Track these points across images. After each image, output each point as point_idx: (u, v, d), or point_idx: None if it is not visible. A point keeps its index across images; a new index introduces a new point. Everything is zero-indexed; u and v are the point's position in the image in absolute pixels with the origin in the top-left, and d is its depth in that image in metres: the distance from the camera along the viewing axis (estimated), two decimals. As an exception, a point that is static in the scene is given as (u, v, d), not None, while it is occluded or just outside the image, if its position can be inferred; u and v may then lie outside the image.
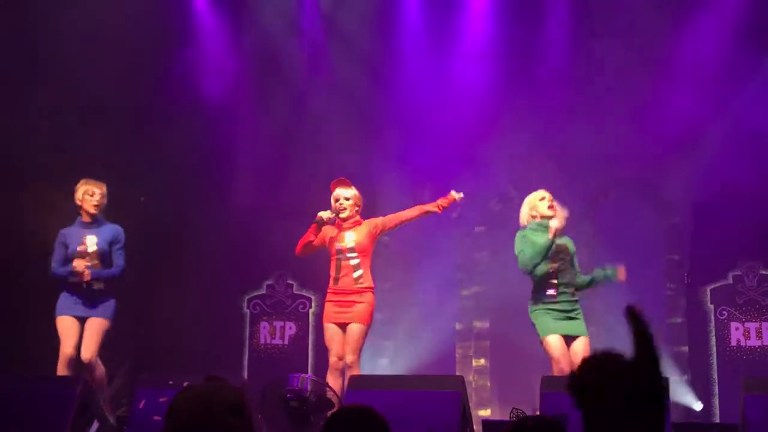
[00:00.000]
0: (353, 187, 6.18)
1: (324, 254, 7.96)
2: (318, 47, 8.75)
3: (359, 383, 5.32)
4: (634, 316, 1.94)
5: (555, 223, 5.86)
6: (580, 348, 5.77)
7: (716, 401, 7.51)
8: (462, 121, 8.42)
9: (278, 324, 8.35)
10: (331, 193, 6.20)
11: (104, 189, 6.26)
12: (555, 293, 5.82)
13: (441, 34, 8.58)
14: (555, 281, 5.85)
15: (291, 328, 8.33)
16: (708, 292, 7.72)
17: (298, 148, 8.68)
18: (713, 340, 7.62)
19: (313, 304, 8.35)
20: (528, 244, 5.85)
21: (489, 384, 8.41)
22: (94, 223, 6.19)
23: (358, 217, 6.14)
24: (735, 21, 8.02)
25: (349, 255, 5.98)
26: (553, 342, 5.74)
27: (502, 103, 8.27)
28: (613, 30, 8.22)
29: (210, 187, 8.42)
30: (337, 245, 6.04)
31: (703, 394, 7.64)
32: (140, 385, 5.60)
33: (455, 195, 6.04)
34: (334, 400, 5.56)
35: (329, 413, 5.22)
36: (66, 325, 6.01)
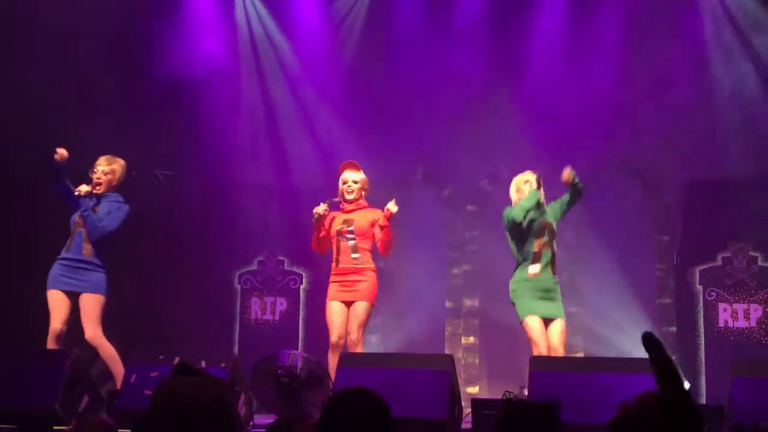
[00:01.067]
0: (361, 171, 6.16)
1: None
2: (314, 25, 8.72)
3: (349, 361, 5.35)
4: (652, 346, 1.90)
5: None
6: (557, 330, 5.76)
7: (703, 382, 7.57)
8: (452, 101, 8.42)
9: (269, 300, 8.37)
10: (339, 175, 6.17)
11: (111, 165, 6.14)
12: (537, 272, 5.83)
13: (433, 14, 8.56)
14: (539, 259, 5.85)
15: (282, 304, 8.35)
16: (697, 273, 7.76)
17: (291, 127, 8.67)
18: (701, 321, 7.68)
19: (304, 281, 8.37)
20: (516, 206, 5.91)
21: (478, 362, 8.47)
22: (105, 197, 6.11)
23: (363, 201, 6.13)
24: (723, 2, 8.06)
25: (348, 236, 6.00)
26: (532, 323, 5.75)
27: (493, 83, 8.26)
28: (603, 10, 8.22)
29: (202, 164, 8.40)
30: (337, 227, 6.05)
31: (690, 375, 7.70)
32: (131, 361, 5.61)
33: (391, 207, 5.96)
34: (324, 376, 5.59)
35: (323, 392, 5.26)
36: (55, 300, 5.98)
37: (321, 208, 6.02)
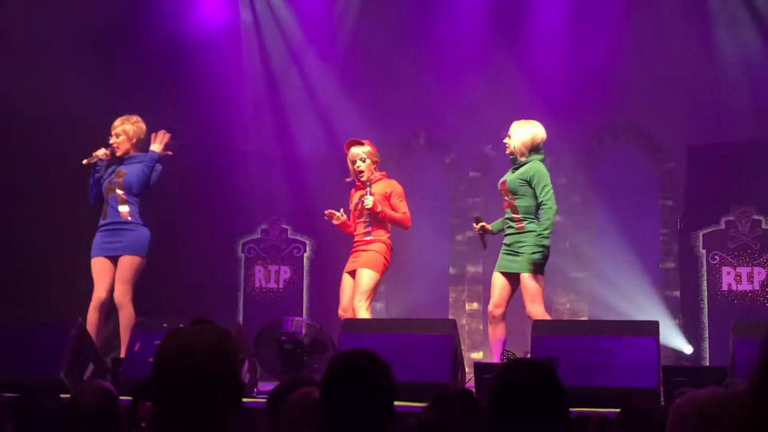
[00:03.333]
0: (366, 143, 6.08)
1: (319, 199, 7.99)
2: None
3: (352, 326, 5.37)
4: None
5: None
6: (523, 286, 5.60)
7: (707, 345, 7.58)
8: (454, 66, 8.36)
9: (273, 268, 8.39)
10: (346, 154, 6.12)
11: (123, 125, 6.12)
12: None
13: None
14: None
15: (285, 272, 8.38)
16: (700, 237, 7.74)
17: (293, 93, 8.64)
18: (705, 284, 7.66)
19: (307, 249, 8.38)
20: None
21: (482, 327, 8.49)
22: (130, 159, 6.13)
23: (377, 174, 6.07)
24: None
25: (362, 212, 6.00)
26: (492, 280, 5.77)
27: (496, 48, 8.20)
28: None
29: (205, 132, 8.38)
30: (353, 203, 6.09)
31: (693, 338, 7.72)
32: (135, 328, 5.64)
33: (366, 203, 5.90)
34: (328, 342, 5.62)
35: (326, 358, 5.28)
36: (97, 268, 5.99)
37: (368, 202, 5.93)
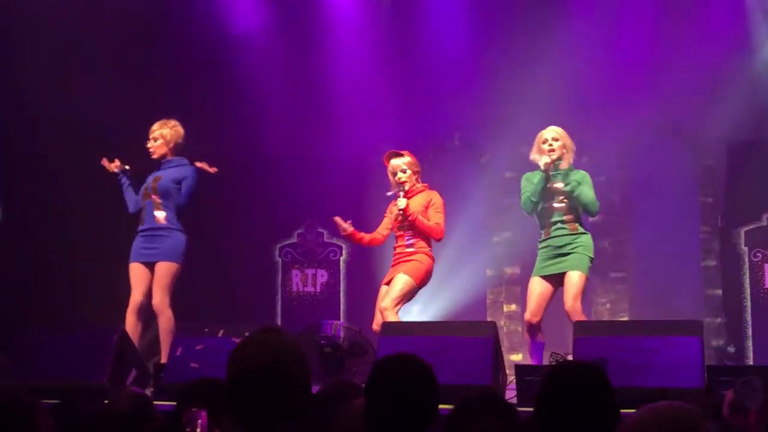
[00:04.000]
0: (406, 153, 6.04)
1: (355, 202, 7.99)
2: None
3: (391, 329, 5.35)
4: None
5: (544, 162, 5.77)
6: (570, 282, 5.58)
7: (750, 344, 7.49)
8: (489, 67, 8.31)
9: (310, 272, 8.42)
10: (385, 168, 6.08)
11: (160, 130, 6.16)
12: (545, 236, 5.77)
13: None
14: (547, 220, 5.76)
15: (322, 276, 8.40)
16: (742, 234, 7.65)
17: (328, 97, 8.64)
18: (747, 282, 7.58)
19: (344, 252, 8.39)
20: (527, 184, 5.83)
21: (520, 329, 8.44)
22: (167, 163, 6.18)
23: (419, 185, 6.04)
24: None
25: (402, 223, 5.94)
26: (530, 285, 5.74)
27: (530, 47, 8.14)
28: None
29: (240, 137, 8.43)
30: (392, 214, 6.04)
31: (736, 337, 7.62)
32: (177, 334, 5.67)
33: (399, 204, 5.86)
34: (367, 346, 5.61)
35: (366, 361, 5.28)
36: (134, 273, 6.04)
37: (401, 203, 5.89)
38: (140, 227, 6.12)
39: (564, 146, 5.81)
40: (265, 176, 8.48)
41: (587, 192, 5.71)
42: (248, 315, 7.59)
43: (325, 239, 8.48)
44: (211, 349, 5.30)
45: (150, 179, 6.17)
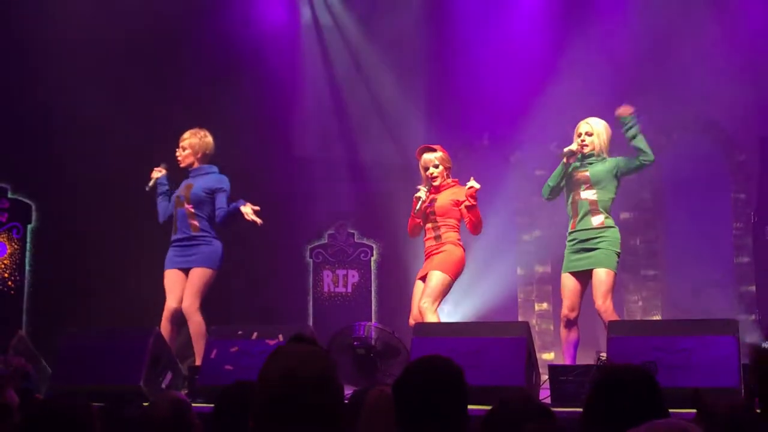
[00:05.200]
0: (438, 148, 6.01)
1: (385, 202, 8.01)
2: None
3: (424, 330, 5.36)
4: None
5: (567, 149, 5.76)
6: (598, 280, 5.54)
7: (785, 341, 7.40)
8: (519, 65, 8.29)
9: (341, 272, 8.45)
10: (418, 162, 6.04)
11: (190, 139, 6.21)
12: (572, 228, 5.75)
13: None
14: (576, 212, 5.74)
15: (354, 276, 8.42)
16: (775, 231, 7.57)
17: (357, 96, 8.66)
18: (781, 278, 7.50)
19: (374, 253, 8.41)
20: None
21: (552, 328, 8.41)
22: (195, 171, 6.23)
23: (449, 180, 6.01)
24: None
25: (431, 217, 5.93)
26: (562, 281, 5.70)
27: (560, 45, 8.11)
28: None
29: (272, 139, 8.47)
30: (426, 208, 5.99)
31: (771, 334, 7.54)
32: (211, 336, 5.72)
33: (474, 185, 5.81)
34: (400, 347, 5.63)
35: (399, 362, 5.29)
36: (169, 279, 6.10)
37: (422, 194, 5.87)
38: (174, 237, 6.15)
39: (599, 138, 5.76)
40: (296, 177, 8.51)
41: (643, 140, 5.64)
42: (281, 317, 7.64)
43: (355, 240, 8.50)
44: (245, 352, 5.34)
45: (182, 187, 6.21)
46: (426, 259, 5.96)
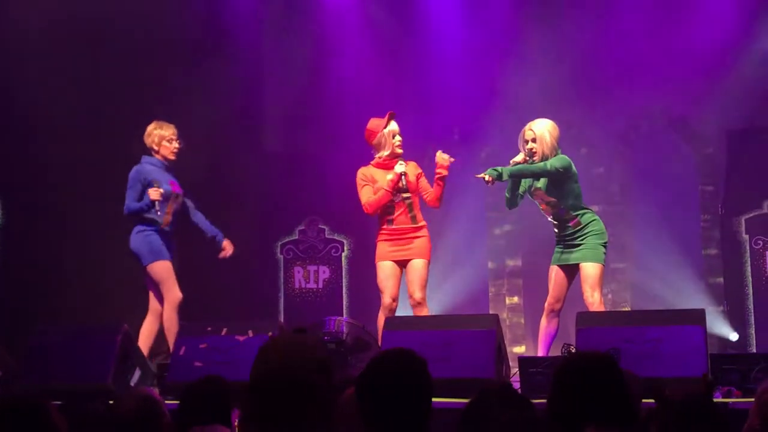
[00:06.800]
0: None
1: (355, 198, 7.97)
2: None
3: (395, 324, 5.36)
4: None
5: (513, 161, 5.75)
6: (586, 274, 5.56)
7: (752, 331, 7.50)
8: (489, 60, 8.31)
9: (312, 268, 8.42)
10: (382, 127, 5.78)
11: (177, 133, 6.23)
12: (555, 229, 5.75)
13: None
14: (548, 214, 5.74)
15: (325, 272, 8.40)
16: (743, 222, 7.66)
17: (329, 94, 8.63)
18: (749, 270, 7.59)
19: (345, 248, 8.40)
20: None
21: (523, 321, 8.45)
22: (170, 164, 6.22)
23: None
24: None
25: (403, 194, 5.78)
26: (549, 273, 5.74)
27: (529, 41, 8.13)
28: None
29: (241, 135, 8.41)
30: (379, 183, 5.79)
31: (739, 325, 7.62)
32: (180, 333, 5.68)
33: (443, 157, 5.73)
34: (371, 341, 5.62)
35: (370, 356, 5.28)
36: (170, 270, 6.03)
37: (402, 168, 5.71)
38: (164, 226, 6.08)
39: (542, 144, 5.62)
40: (266, 173, 8.47)
41: (539, 165, 5.52)
42: (251, 313, 7.59)
43: (326, 236, 8.48)
44: (214, 348, 5.31)
45: (170, 180, 6.16)
46: (398, 240, 5.79)
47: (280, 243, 8.53)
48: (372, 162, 5.94)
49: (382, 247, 5.81)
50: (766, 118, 7.77)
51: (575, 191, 5.63)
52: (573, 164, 5.63)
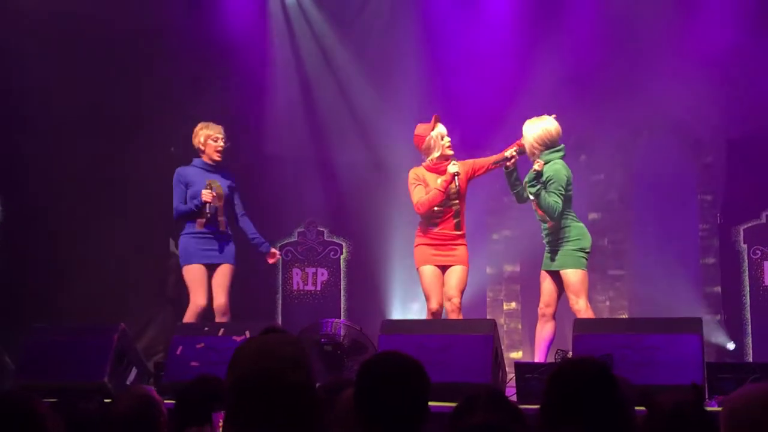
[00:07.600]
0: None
1: (354, 201, 7.99)
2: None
3: (392, 327, 5.37)
4: None
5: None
6: (567, 281, 5.60)
7: (749, 341, 7.50)
8: (489, 67, 8.29)
9: (310, 270, 8.42)
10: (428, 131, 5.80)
11: (224, 133, 6.28)
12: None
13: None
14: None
15: (323, 275, 8.40)
16: (741, 232, 7.65)
17: (325, 95, 8.64)
18: (746, 279, 7.58)
19: (344, 251, 8.40)
20: None
21: (521, 327, 8.45)
22: (216, 166, 6.22)
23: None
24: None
25: (452, 201, 5.79)
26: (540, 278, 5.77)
27: (529, 47, 8.12)
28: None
29: (241, 136, 8.41)
30: (433, 186, 5.78)
31: (736, 334, 7.63)
32: (177, 332, 5.69)
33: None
34: (368, 344, 5.62)
35: (364, 359, 5.28)
36: (196, 275, 6.07)
37: (455, 168, 5.69)
38: (200, 229, 6.07)
39: (527, 144, 5.71)
40: (266, 175, 8.48)
41: (546, 199, 5.56)
42: (249, 314, 7.59)
43: (325, 238, 8.48)
44: (211, 348, 5.32)
45: (209, 180, 6.16)
46: (440, 245, 5.80)
47: (279, 245, 8.52)
48: (423, 164, 5.93)
49: (424, 251, 5.84)
50: (766, 128, 7.77)
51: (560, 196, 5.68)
52: (569, 179, 5.68)
